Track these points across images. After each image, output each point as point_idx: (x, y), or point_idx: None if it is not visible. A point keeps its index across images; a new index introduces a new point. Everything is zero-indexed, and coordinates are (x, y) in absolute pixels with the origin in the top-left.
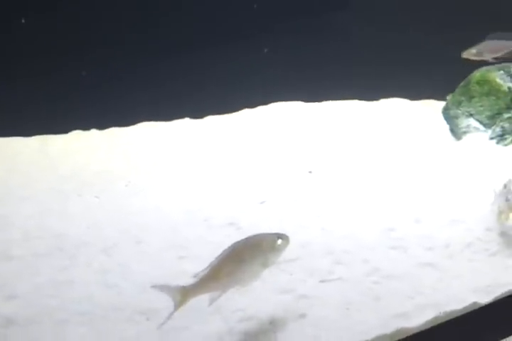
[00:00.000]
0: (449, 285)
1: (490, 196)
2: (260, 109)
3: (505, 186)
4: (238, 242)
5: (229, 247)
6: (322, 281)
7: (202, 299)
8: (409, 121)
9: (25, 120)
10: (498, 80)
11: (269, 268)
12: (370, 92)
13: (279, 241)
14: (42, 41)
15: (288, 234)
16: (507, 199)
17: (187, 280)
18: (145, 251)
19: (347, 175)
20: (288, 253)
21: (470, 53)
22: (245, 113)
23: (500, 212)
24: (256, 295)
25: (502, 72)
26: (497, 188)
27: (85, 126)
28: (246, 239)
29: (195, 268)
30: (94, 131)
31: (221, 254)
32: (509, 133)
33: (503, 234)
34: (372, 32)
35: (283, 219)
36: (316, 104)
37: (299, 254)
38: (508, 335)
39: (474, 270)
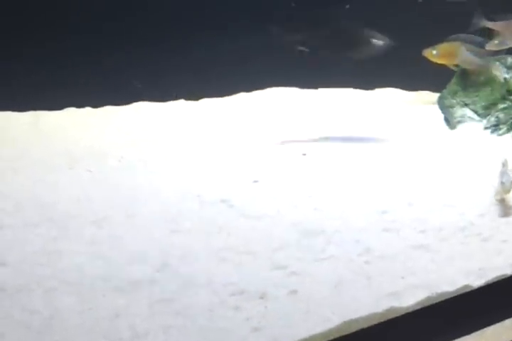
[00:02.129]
0: (441, 267)
1: (483, 182)
2: (256, 94)
3: (503, 165)
4: None
5: None
6: (314, 259)
7: (195, 272)
8: (404, 110)
9: (20, 96)
10: (494, 71)
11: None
12: (367, 82)
13: None
14: (39, 16)
15: (281, 212)
16: (501, 182)
17: (178, 253)
18: (136, 224)
19: (341, 159)
20: (280, 230)
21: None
22: (241, 96)
23: (496, 192)
24: (248, 271)
25: (498, 63)
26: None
27: (80, 104)
28: None
29: (187, 242)
30: (88, 109)
31: None
32: (504, 123)
33: (497, 220)
34: (372, 20)
35: (276, 198)
36: (312, 90)
37: (291, 232)
38: (498, 320)
39: (467, 253)
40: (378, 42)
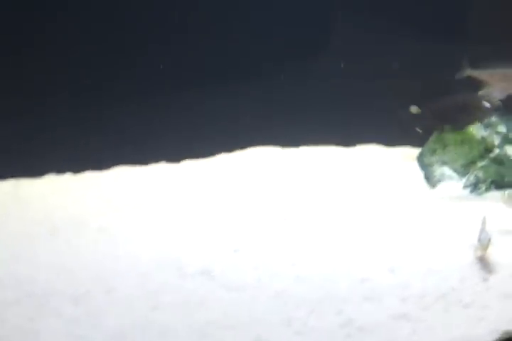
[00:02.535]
0: (422, 337)
1: (463, 243)
2: (237, 154)
3: (482, 223)
4: None
5: None
6: (296, 332)
7: None
8: (385, 168)
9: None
10: (471, 129)
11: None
12: (348, 138)
13: None
14: (15, 83)
15: (263, 282)
16: (479, 239)
17: (158, 330)
18: (115, 299)
19: (322, 223)
20: (262, 302)
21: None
22: (222, 158)
23: (476, 250)
24: None
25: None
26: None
27: (60, 170)
28: None
29: (167, 318)
30: (68, 175)
31: None
32: (483, 182)
33: (478, 284)
34: (350, 77)
35: (257, 268)
36: (293, 149)
37: (272, 304)
38: None
39: (448, 322)
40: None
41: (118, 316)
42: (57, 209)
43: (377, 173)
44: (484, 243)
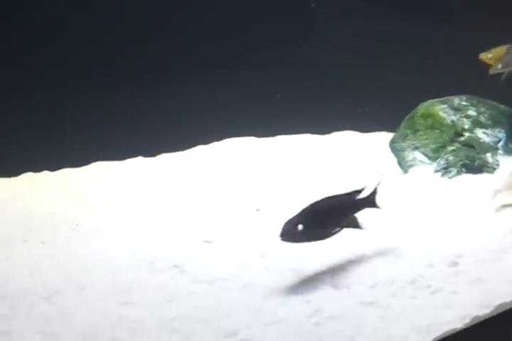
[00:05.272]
0: (390, 324)
1: (432, 230)
2: (214, 146)
3: None
4: None
5: None
6: (264, 323)
7: None
8: (360, 154)
9: None
10: (441, 114)
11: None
12: (324, 125)
13: None
14: None
15: (233, 274)
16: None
17: (128, 327)
18: (87, 297)
19: (293, 213)
20: (232, 294)
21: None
22: (198, 150)
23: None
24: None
25: (445, 105)
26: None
27: (37, 168)
28: None
29: (138, 314)
30: (45, 173)
31: None
32: (453, 166)
33: (444, 269)
34: (323, 65)
35: (228, 260)
36: (269, 138)
37: (241, 295)
38: None
39: (416, 308)
40: None
41: (89, 313)
42: (33, 210)
43: (351, 159)
44: None
